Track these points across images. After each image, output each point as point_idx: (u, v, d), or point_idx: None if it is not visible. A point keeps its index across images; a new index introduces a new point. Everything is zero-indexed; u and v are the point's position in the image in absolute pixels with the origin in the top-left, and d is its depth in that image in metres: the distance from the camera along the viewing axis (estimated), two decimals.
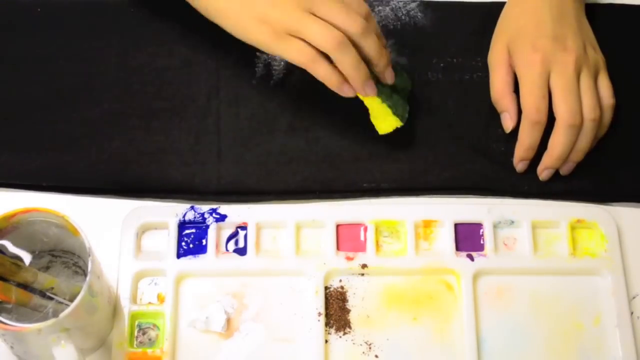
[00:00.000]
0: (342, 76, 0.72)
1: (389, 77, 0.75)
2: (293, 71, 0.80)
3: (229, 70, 0.81)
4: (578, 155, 0.77)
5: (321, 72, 0.71)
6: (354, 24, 0.70)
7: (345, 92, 0.72)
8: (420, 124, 0.80)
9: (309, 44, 0.70)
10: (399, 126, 0.76)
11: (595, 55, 0.79)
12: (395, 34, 0.83)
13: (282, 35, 0.70)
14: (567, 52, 0.76)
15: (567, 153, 0.76)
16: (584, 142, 0.76)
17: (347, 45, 0.70)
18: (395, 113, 0.76)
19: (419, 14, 0.84)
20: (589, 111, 0.75)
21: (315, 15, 0.70)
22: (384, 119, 0.76)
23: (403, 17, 0.84)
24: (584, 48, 0.78)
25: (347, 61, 0.70)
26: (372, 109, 0.76)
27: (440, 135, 0.79)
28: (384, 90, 0.75)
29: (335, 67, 0.71)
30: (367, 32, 0.71)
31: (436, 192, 0.78)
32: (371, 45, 0.72)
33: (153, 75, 0.80)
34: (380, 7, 0.85)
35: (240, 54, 0.80)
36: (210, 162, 0.77)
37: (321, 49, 0.70)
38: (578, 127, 0.75)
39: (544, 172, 0.77)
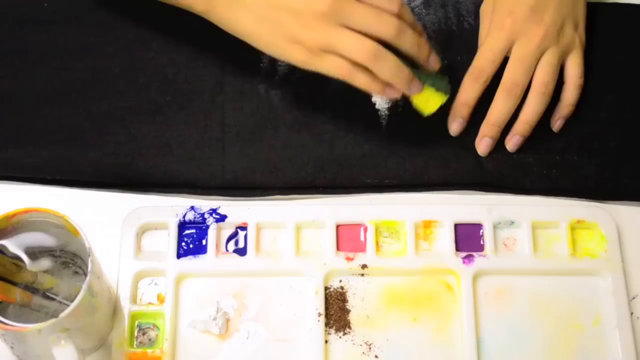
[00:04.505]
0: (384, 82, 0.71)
1: (434, 64, 0.74)
2: (297, 67, 0.80)
3: (233, 65, 0.81)
4: (524, 127, 0.77)
5: (362, 82, 0.70)
6: (387, 28, 0.69)
7: (391, 95, 0.72)
8: (423, 121, 0.79)
9: (345, 57, 0.69)
10: (444, 101, 0.75)
11: (573, 35, 0.78)
12: None
13: (317, 52, 0.69)
14: (538, 26, 0.77)
15: (502, 120, 0.77)
16: (529, 114, 0.77)
17: (382, 53, 0.69)
18: (438, 90, 0.75)
19: (424, 10, 0.84)
20: (538, 85, 0.76)
21: (347, 27, 0.69)
22: (427, 101, 0.75)
23: None
24: (561, 25, 0.78)
25: (386, 69, 0.70)
26: (414, 96, 0.74)
27: (443, 131, 0.79)
28: (421, 73, 0.74)
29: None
30: (401, 32, 0.70)
31: (439, 188, 0.78)
32: (408, 43, 0.71)
33: (158, 70, 0.80)
34: None
35: (245, 50, 0.80)
36: (214, 157, 0.77)
37: (357, 62, 0.69)
38: (515, 97, 0.76)
39: (482, 140, 0.78)
